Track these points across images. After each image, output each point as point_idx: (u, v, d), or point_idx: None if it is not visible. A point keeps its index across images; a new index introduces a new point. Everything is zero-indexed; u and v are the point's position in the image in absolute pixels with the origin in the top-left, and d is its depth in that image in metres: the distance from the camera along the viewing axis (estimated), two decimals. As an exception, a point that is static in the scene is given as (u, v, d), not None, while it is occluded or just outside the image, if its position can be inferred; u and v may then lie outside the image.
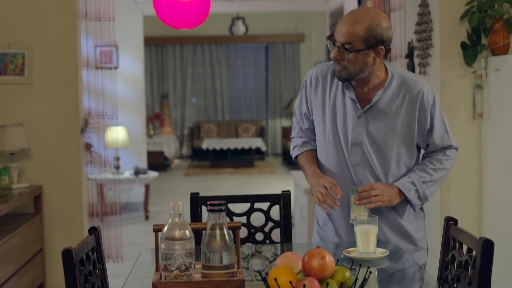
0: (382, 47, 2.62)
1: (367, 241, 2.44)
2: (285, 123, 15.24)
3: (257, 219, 2.97)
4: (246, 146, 13.61)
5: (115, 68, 8.46)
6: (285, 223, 2.96)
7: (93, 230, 2.33)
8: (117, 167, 8.17)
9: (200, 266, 2.04)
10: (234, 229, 2.15)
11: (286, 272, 1.92)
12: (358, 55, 2.62)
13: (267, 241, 2.95)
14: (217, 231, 1.99)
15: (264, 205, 2.98)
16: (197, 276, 2.01)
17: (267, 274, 1.96)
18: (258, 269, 2.45)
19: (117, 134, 8.08)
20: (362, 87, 2.74)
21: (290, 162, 13.48)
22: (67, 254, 2.00)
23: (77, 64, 4.83)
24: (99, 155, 5.41)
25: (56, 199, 4.83)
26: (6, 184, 4.55)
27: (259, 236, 2.97)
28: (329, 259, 1.94)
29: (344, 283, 1.94)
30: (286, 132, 14.45)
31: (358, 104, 2.73)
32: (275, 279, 1.88)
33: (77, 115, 4.83)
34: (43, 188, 4.80)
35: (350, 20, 2.60)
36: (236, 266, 2.03)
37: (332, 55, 2.66)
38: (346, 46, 2.61)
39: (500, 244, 3.25)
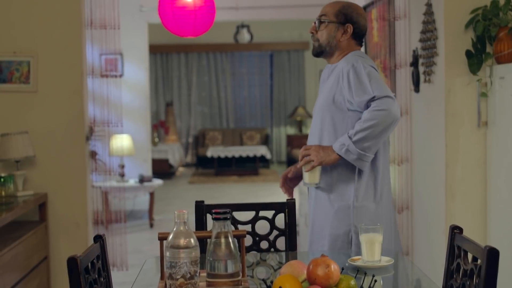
0: (350, 25, 3.06)
1: (372, 249, 2.44)
2: (290, 131, 15.24)
3: (262, 227, 2.97)
4: (251, 154, 13.60)
5: (120, 76, 8.47)
6: (290, 231, 2.95)
7: (98, 238, 2.33)
8: (122, 175, 8.17)
9: (205, 274, 2.04)
10: (239, 238, 2.16)
11: (291, 280, 1.92)
12: (328, 27, 3.07)
13: (272, 250, 2.95)
14: (222, 240, 1.99)
15: (269, 213, 2.98)
16: (202, 285, 2.02)
17: (272, 282, 1.96)
18: (263, 277, 2.44)
19: (122, 142, 8.09)
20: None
21: (295, 170, 13.45)
22: (72, 262, 2.01)
23: (82, 72, 4.84)
24: (104, 162, 5.41)
25: (61, 206, 4.83)
26: (11, 191, 4.55)
27: (264, 245, 2.97)
28: (334, 267, 1.94)
29: (349, 291, 1.94)
30: (291, 140, 14.43)
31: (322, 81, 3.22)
32: (280, 288, 1.88)
33: (82, 123, 4.84)
34: (48, 195, 4.80)
35: (330, 1, 3.16)
36: (241, 274, 2.03)
37: (309, 29, 3.13)
38: (321, 18, 3.08)
39: (505, 252, 3.24)
